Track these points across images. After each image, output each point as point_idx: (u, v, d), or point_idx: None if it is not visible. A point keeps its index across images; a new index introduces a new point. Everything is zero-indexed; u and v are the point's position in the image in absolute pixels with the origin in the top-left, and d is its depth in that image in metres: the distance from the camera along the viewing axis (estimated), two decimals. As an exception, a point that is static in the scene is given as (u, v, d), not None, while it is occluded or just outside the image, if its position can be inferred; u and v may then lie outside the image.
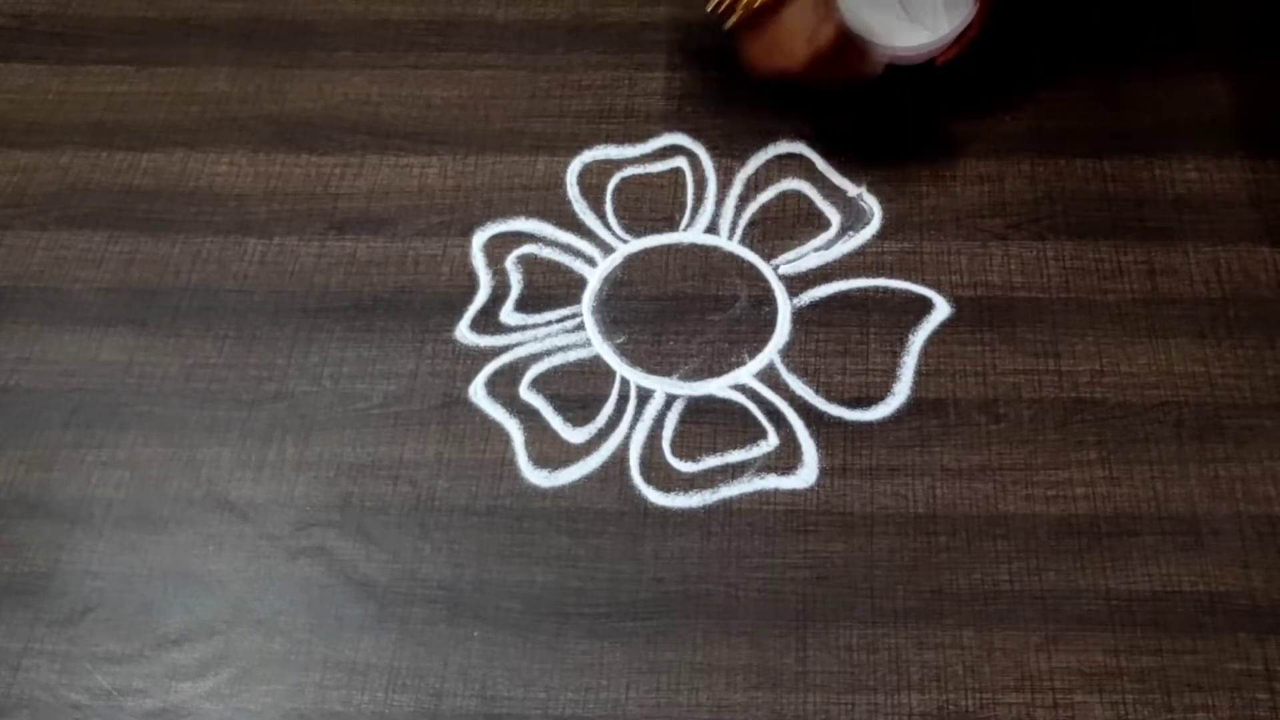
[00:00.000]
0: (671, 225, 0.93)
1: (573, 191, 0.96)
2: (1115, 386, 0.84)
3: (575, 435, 0.84)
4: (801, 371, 0.86)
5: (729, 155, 0.97)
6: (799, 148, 0.96)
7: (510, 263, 0.92)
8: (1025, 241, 0.91)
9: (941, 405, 0.84)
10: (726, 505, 0.81)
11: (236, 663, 0.77)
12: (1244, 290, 0.88)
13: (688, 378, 0.86)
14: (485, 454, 0.84)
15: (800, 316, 0.88)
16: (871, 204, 0.93)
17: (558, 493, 0.82)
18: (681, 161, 0.97)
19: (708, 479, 0.82)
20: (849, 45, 0.86)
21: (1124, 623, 0.75)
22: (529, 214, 0.95)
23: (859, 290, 0.89)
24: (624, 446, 0.83)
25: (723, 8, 0.85)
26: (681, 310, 0.89)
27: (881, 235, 0.92)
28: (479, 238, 0.93)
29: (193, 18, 1.08)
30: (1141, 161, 0.94)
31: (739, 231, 0.93)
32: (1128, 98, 0.97)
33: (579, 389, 0.86)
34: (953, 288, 0.89)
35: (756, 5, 0.83)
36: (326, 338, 0.89)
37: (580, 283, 0.91)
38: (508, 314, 0.90)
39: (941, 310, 0.88)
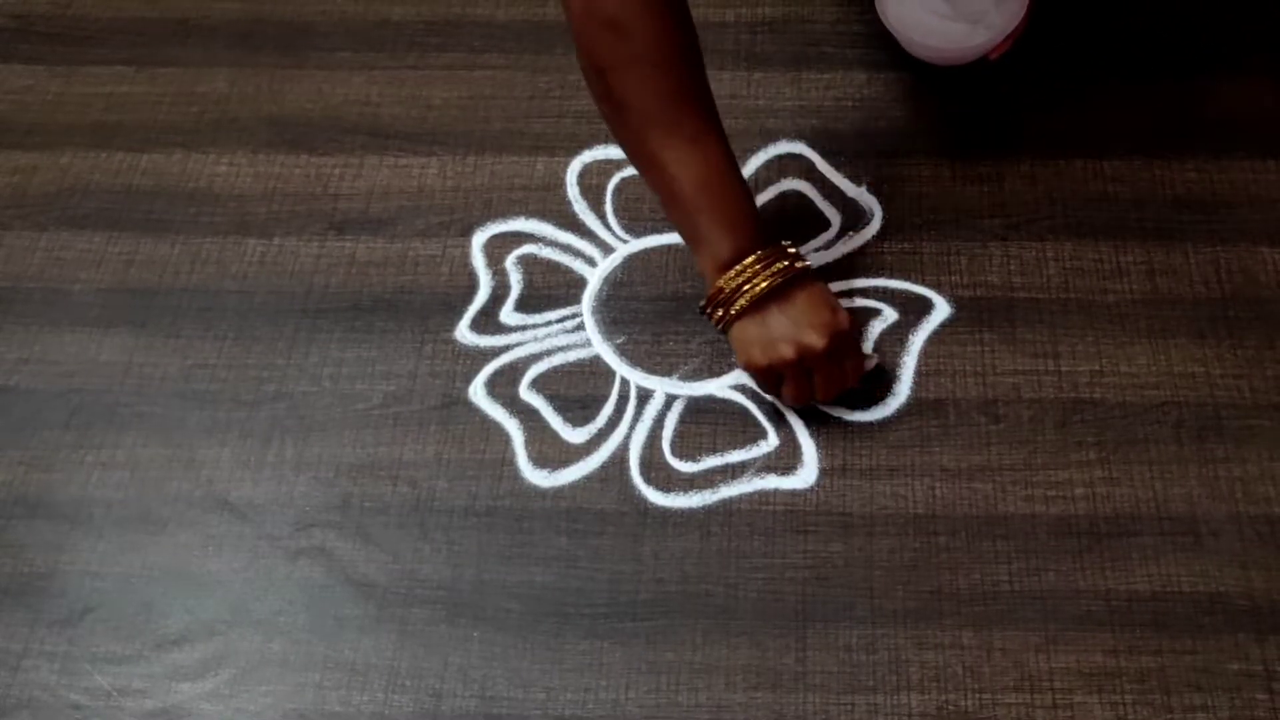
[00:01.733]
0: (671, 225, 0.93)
1: (573, 192, 0.96)
2: (1115, 386, 0.84)
3: (575, 435, 0.84)
4: (801, 372, 0.86)
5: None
6: (799, 148, 0.96)
7: (510, 263, 0.92)
8: (1025, 241, 0.91)
9: (941, 405, 0.84)
10: (726, 505, 0.81)
11: (236, 663, 0.77)
12: (1244, 290, 0.88)
13: (688, 378, 0.86)
14: (485, 454, 0.84)
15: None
16: (871, 204, 0.93)
17: (557, 493, 0.82)
18: (681, 162, 0.96)
19: (708, 479, 0.82)
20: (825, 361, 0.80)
21: (1124, 623, 0.75)
22: (529, 214, 0.95)
23: (859, 290, 0.89)
24: (624, 446, 0.83)
25: (718, 301, 0.79)
26: (681, 310, 0.89)
27: (881, 235, 0.92)
28: (479, 238, 0.94)
29: (192, 18, 1.08)
30: (1141, 162, 0.94)
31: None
32: (1127, 98, 0.97)
33: (579, 389, 0.86)
34: (953, 288, 0.89)
35: (765, 289, 0.78)
36: (326, 338, 0.89)
37: (580, 283, 0.91)
38: (508, 314, 0.90)
39: (941, 310, 0.88)
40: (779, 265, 0.78)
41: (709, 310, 0.80)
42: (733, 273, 0.78)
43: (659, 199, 0.81)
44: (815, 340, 0.78)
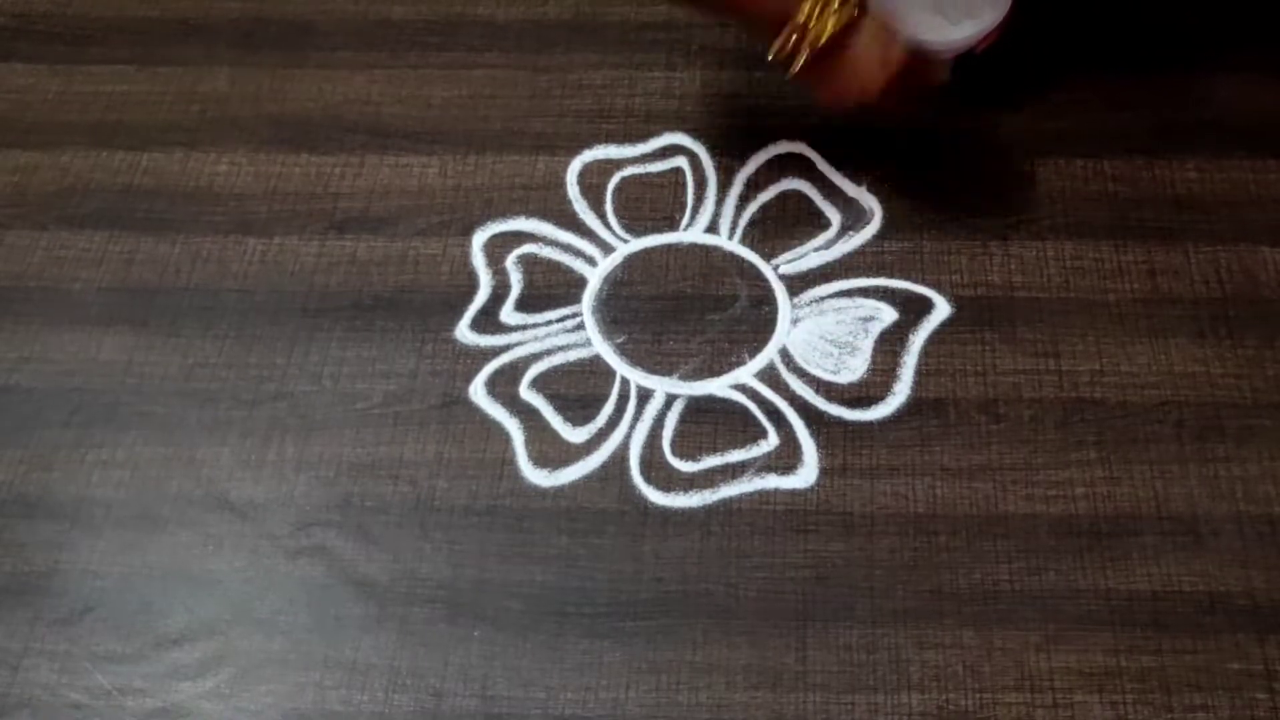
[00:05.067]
0: (672, 225, 0.93)
1: (573, 191, 0.96)
2: (1115, 386, 0.84)
3: (575, 435, 0.84)
4: (802, 371, 0.86)
5: (729, 155, 0.97)
6: (799, 148, 0.96)
7: (510, 262, 0.92)
8: (1025, 241, 0.91)
9: (941, 405, 0.84)
10: (726, 505, 0.81)
11: (236, 662, 0.77)
12: (1244, 290, 0.88)
13: (688, 377, 0.86)
14: (485, 454, 0.84)
15: (800, 316, 0.88)
16: (871, 204, 0.93)
17: (558, 492, 0.82)
18: (682, 161, 0.97)
19: (708, 479, 0.82)
20: (919, 60, 0.84)
21: (1124, 623, 0.75)
22: (529, 214, 0.95)
23: (859, 290, 0.89)
24: (624, 446, 0.83)
25: (784, 54, 0.82)
26: (681, 310, 0.89)
27: (881, 235, 0.92)
28: (479, 237, 0.94)
29: (193, 17, 1.08)
30: (1142, 161, 0.94)
31: (739, 231, 0.93)
32: (1128, 98, 0.97)
33: (579, 389, 0.86)
34: (953, 287, 0.89)
35: (821, 43, 0.81)
36: (326, 337, 0.89)
37: (580, 282, 0.91)
38: (508, 314, 0.90)
39: (941, 310, 0.88)
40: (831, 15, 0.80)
41: (787, 47, 0.82)
42: (795, 22, 0.80)
43: None
44: (894, 56, 0.81)
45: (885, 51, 0.82)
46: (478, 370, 0.87)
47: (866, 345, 0.87)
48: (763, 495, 0.81)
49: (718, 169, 0.96)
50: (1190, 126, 0.96)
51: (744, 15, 0.84)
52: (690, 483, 0.82)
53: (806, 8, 0.80)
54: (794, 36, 0.81)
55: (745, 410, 0.85)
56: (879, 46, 0.82)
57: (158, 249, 0.94)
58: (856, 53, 0.82)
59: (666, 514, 0.81)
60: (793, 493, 0.81)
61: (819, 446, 0.83)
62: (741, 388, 0.86)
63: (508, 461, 0.83)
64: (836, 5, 0.80)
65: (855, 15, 0.81)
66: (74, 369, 0.89)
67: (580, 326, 0.89)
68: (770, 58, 0.82)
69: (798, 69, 0.82)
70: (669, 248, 0.92)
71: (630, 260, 0.92)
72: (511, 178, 0.97)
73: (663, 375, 0.86)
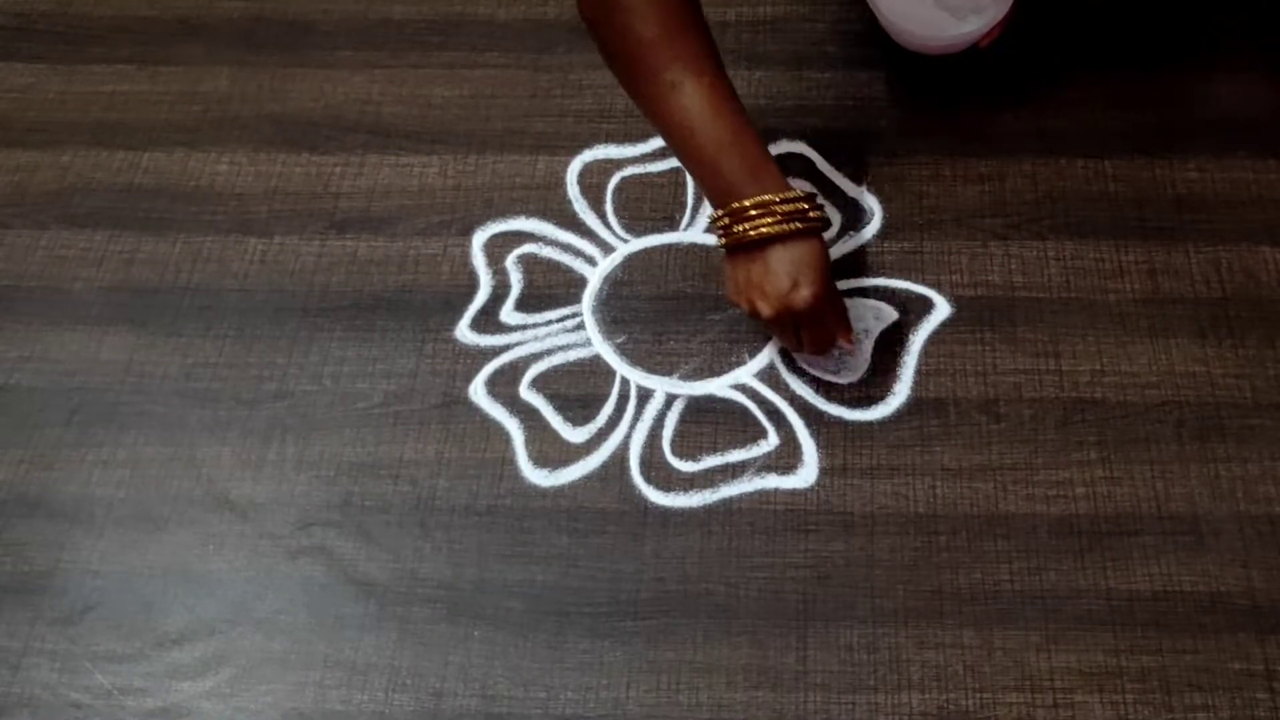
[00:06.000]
0: (671, 225, 0.93)
1: (573, 191, 0.96)
2: (1115, 386, 0.84)
3: (575, 435, 0.84)
4: (801, 371, 0.86)
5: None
6: (799, 148, 0.96)
7: (510, 262, 0.92)
8: (1025, 241, 0.91)
9: (942, 405, 0.84)
10: (727, 505, 0.81)
11: (236, 662, 0.77)
12: (1244, 290, 0.88)
13: (688, 377, 0.86)
14: (485, 453, 0.84)
15: (800, 316, 0.88)
16: (871, 204, 0.93)
17: (558, 492, 0.82)
18: (682, 161, 0.97)
19: (708, 478, 0.82)
20: (829, 307, 0.80)
21: (1124, 622, 0.75)
22: (529, 213, 0.95)
23: (859, 290, 0.89)
24: (624, 446, 0.83)
25: (727, 222, 0.78)
26: (681, 310, 0.89)
27: (881, 235, 0.92)
28: (479, 237, 0.94)
29: (193, 17, 1.08)
30: (1142, 161, 0.94)
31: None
32: (1128, 98, 0.97)
33: (579, 389, 0.86)
34: (953, 287, 0.89)
35: (753, 236, 0.77)
36: (327, 337, 0.89)
37: (580, 282, 0.91)
38: (508, 313, 0.90)
39: (942, 310, 0.88)
40: (808, 214, 0.77)
41: (720, 220, 0.78)
42: (755, 200, 0.76)
43: (673, 148, 0.79)
44: (804, 297, 0.77)
45: (823, 274, 0.78)
46: (478, 370, 0.87)
47: (866, 345, 0.86)
48: (763, 495, 0.81)
49: (718, 169, 0.96)
50: (1190, 126, 0.96)
51: (703, 175, 0.79)
52: (690, 483, 0.82)
53: (787, 193, 0.77)
54: (730, 218, 0.77)
55: (745, 410, 0.85)
56: (819, 268, 0.78)
57: (158, 249, 0.94)
58: (772, 265, 0.77)
59: (666, 514, 0.81)
60: (793, 492, 0.81)
61: (819, 446, 0.83)
62: (741, 388, 0.86)
63: (508, 461, 0.83)
64: (803, 208, 0.77)
65: (795, 231, 0.76)
66: (74, 369, 0.89)
67: (580, 326, 0.89)
68: (711, 220, 0.80)
69: (723, 245, 0.79)
70: (669, 248, 0.92)
71: (630, 260, 0.92)
72: (512, 178, 0.97)
73: (663, 375, 0.86)
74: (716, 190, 0.78)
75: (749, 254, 0.78)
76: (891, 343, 0.87)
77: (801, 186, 0.94)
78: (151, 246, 0.94)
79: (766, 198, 0.76)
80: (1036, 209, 0.92)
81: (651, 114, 0.79)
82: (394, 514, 0.81)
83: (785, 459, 0.82)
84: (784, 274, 0.77)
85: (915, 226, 0.92)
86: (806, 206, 0.77)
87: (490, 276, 0.91)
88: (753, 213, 0.77)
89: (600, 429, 0.84)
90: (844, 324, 0.82)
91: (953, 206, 0.93)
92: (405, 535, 0.80)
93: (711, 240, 0.92)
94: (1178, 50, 0.99)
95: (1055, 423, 0.83)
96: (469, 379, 0.87)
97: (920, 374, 0.85)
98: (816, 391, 0.85)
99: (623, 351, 0.88)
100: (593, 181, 0.96)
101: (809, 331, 0.81)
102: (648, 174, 0.96)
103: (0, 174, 0.99)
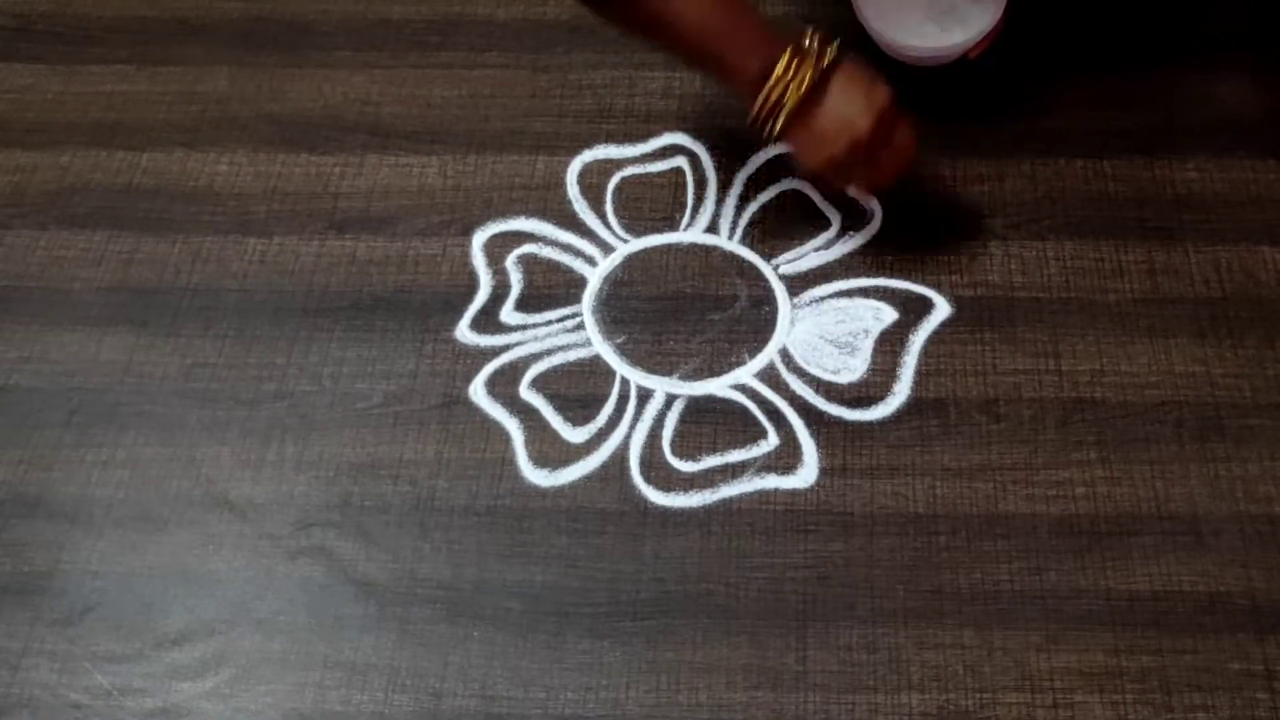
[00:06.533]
0: (671, 225, 0.93)
1: (573, 191, 0.96)
2: (1115, 386, 0.84)
3: (575, 435, 0.84)
4: (801, 371, 0.86)
5: (729, 155, 0.97)
6: (799, 147, 0.96)
7: (510, 262, 0.92)
8: (1025, 241, 0.91)
9: (941, 405, 0.84)
10: (726, 505, 0.81)
11: (236, 663, 0.77)
12: (1244, 290, 0.88)
13: (688, 377, 0.86)
14: (485, 454, 0.84)
15: (800, 316, 0.88)
16: (871, 204, 0.93)
17: (558, 492, 0.82)
18: (681, 161, 0.97)
19: (708, 479, 0.82)
20: (895, 113, 0.83)
21: (1124, 623, 0.75)
22: (529, 213, 0.95)
23: (859, 290, 0.89)
24: (624, 446, 0.83)
25: (765, 114, 0.82)
26: (681, 310, 0.89)
27: (881, 235, 0.92)
28: (479, 237, 0.93)
29: (193, 17, 1.08)
30: (1142, 161, 0.94)
31: (739, 231, 0.93)
32: (1128, 98, 0.97)
33: (579, 389, 0.86)
34: (953, 287, 0.89)
35: (803, 93, 0.80)
36: (326, 337, 0.89)
37: (580, 282, 0.91)
38: (508, 314, 0.90)
39: (941, 310, 0.88)
40: (808, 70, 0.80)
41: (758, 123, 0.82)
42: (768, 86, 0.80)
43: (664, 43, 0.84)
44: (863, 125, 0.80)
45: (868, 94, 0.81)
46: (478, 370, 0.87)
47: (866, 345, 0.87)
48: (763, 495, 0.81)
49: (718, 169, 0.96)
50: (1190, 126, 0.96)
51: (725, 74, 0.84)
52: (690, 483, 0.82)
53: (784, 60, 0.80)
54: (772, 95, 0.80)
55: (745, 410, 0.85)
56: (860, 91, 0.81)
57: (158, 249, 0.94)
58: (835, 103, 0.81)
59: (666, 514, 0.81)
60: (793, 493, 0.81)
61: (819, 446, 0.83)
62: (741, 388, 0.86)
63: (508, 461, 0.83)
64: (813, 60, 0.80)
65: (828, 68, 0.80)
66: (74, 369, 0.89)
67: (580, 326, 0.89)
68: (750, 121, 0.82)
69: (779, 128, 0.82)
70: (669, 248, 0.92)
71: (630, 260, 0.92)
72: (511, 178, 0.96)
73: (663, 375, 0.86)
74: (732, 80, 0.83)
75: (807, 112, 0.81)
76: (891, 343, 0.87)
77: (801, 187, 0.95)
78: (151, 246, 0.94)
79: (778, 72, 0.79)
80: (1036, 209, 0.92)
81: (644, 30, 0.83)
82: (393, 514, 0.81)
83: (785, 459, 0.82)
84: (851, 94, 0.81)
85: (915, 227, 0.92)
86: (816, 55, 0.80)
87: (490, 277, 0.91)
88: (779, 89, 0.80)
89: (600, 429, 0.84)
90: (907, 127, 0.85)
91: (953, 206, 0.93)
92: (405, 535, 0.80)
93: (712, 240, 0.92)
94: (1177, 51, 0.99)
95: (1055, 423, 0.83)
96: (469, 379, 0.87)
97: (920, 374, 0.85)
98: (816, 391, 0.85)
99: (623, 351, 0.88)
100: (593, 181, 0.96)
101: (880, 154, 0.83)
102: (648, 174, 0.96)
103: (0, 174, 0.99)
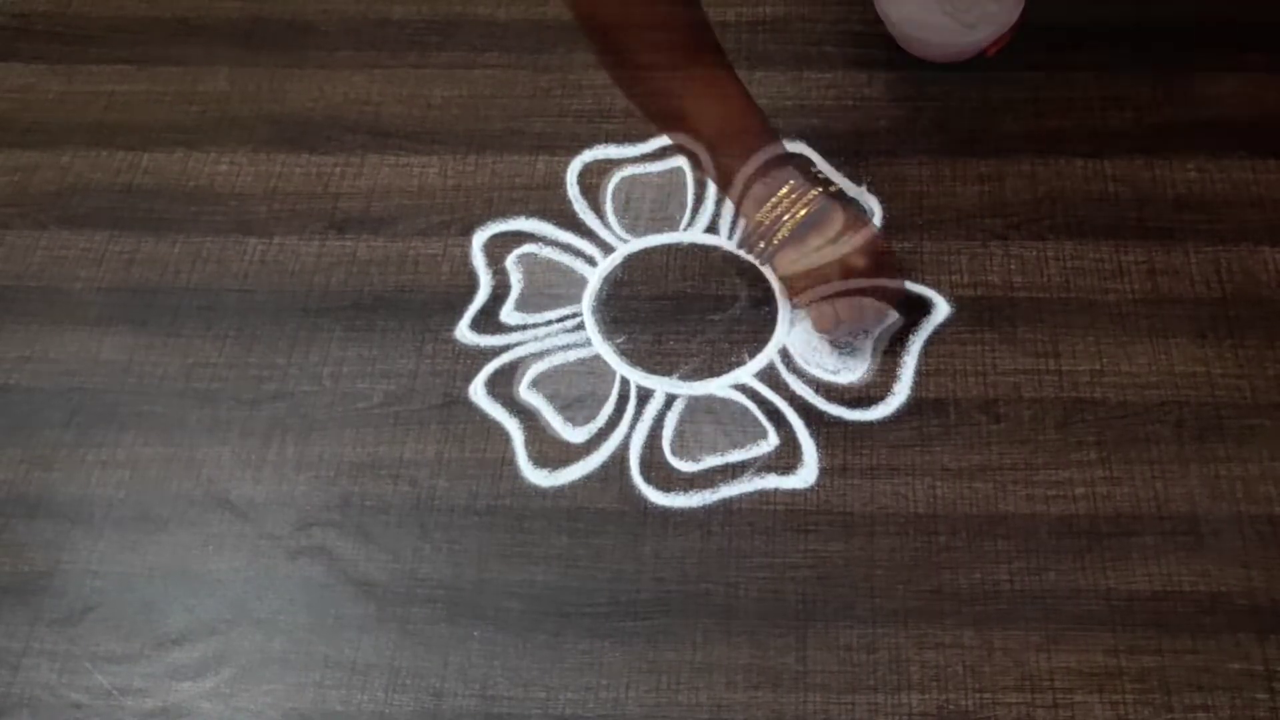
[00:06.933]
0: (672, 225, 0.93)
1: (573, 191, 0.96)
2: (1115, 386, 0.84)
3: (575, 435, 0.84)
4: (801, 371, 0.86)
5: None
6: (799, 148, 0.96)
7: (510, 262, 0.92)
8: (1025, 241, 0.91)
9: (941, 405, 0.84)
10: (726, 505, 0.81)
11: (236, 662, 0.77)
12: (1244, 290, 0.88)
13: (688, 377, 0.86)
14: (485, 454, 0.84)
15: (800, 316, 0.88)
16: (871, 204, 0.93)
17: (558, 492, 0.82)
18: (681, 161, 0.97)
19: (708, 479, 0.82)
20: (880, 255, 0.83)
21: (1124, 623, 0.75)
22: (529, 213, 0.95)
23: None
24: (624, 446, 0.83)
25: (757, 237, 0.82)
26: (681, 310, 0.89)
27: (881, 235, 0.92)
28: (479, 237, 0.93)
29: (193, 17, 1.08)
30: (1142, 161, 0.94)
31: (739, 231, 0.93)
32: (1128, 98, 0.97)
33: (579, 389, 0.86)
34: (953, 288, 0.89)
35: (791, 228, 0.81)
36: (327, 337, 0.89)
37: (580, 282, 0.91)
38: (508, 313, 0.90)
39: (941, 310, 0.88)
40: (813, 193, 0.80)
41: (748, 246, 0.83)
42: (769, 205, 0.81)
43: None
44: (858, 259, 0.81)
45: (857, 238, 0.81)
46: (478, 370, 0.87)
47: (866, 345, 0.87)
48: (763, 495, 0.81)
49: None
50: (1190, 126, 0.96)
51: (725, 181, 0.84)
52: (690, 483, 0.82)
53: (784, 191, 0.80)
54: (765, 222, 0.81)
55: (745, 410, 0.85)
56: (849, 236, 0.81)
57: (158, 249, 0.94)
58: (823, 242, 0.81)
59: (666, 514, 0.81)
60: (793, 493, 0.81)
61: (819, 446, 0.83)
62: (741, 388, 0.86)
63: (508, 461, 0.83)
64: (811, 196, 0.80)
65: (824, 205, 0.81)
66: (74, 369, 0.89)
67: (580, 326, 0.89)
68: (739, 245, 0.84)
69: (769, 254, 0.83)
70: (669, 248, 0.92)
71: (630, 260, 0.92)
72: (511, 178, 0.97)
73: (663, 375, 0.86)
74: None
75: (791, 246, 0.82)
76: (891, 343, 0.87)
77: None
78: (151, 246, 0.94)
79: (782, 194, 0.80)
80: (1036, 209, 0.92)
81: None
82: (394, 514, 0.81)
83: (785, 459, 0.82)
84: (837, 224, 0.81)
85: (915, 226, 0.92)
86: (822, 183, 0.81)
87: (490, 276, 0.91)
88: (776, 213, 0.81)
89: (600, 429, 0.84)
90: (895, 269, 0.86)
91: (953, 206, 0.93)
92: (405, 535, 0.80)
93: (712, 240, 0.92)
94: (1177, 50, 0.99)
95: (1055, 423, 0.83)
96: (469, 379, 0.87)
97: (920, 374, 0.85)
98: (816, 391, 0.85)
99: (623, 351, 0.88)
100: (592, 181, 0.96)
101: (870, 288, 0.83)
102: (648, 174, 0.96)
103: (0, 174, 0.99)
